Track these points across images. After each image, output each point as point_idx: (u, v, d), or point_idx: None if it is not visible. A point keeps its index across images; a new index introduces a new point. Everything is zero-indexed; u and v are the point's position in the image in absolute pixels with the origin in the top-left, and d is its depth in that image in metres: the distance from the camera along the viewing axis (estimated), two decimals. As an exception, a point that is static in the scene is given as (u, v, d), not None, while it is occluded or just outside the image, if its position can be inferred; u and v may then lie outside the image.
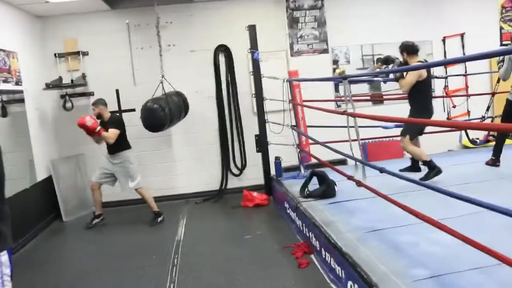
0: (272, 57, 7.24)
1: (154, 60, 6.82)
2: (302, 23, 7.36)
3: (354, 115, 3.93)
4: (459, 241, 2.55)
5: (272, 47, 7.26)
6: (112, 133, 5.72)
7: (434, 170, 5.08)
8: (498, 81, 6.70)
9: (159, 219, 6.12)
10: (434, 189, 2.96)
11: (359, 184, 4.11)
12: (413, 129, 5.25)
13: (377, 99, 8.07)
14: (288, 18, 7.33)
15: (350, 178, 4.34)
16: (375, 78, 6.99)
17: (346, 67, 8.44)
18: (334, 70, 7.71)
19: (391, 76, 5.81)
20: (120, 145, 5.87)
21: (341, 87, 7.36)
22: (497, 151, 5.60)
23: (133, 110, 6.80)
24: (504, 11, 8.08)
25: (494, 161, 5.61)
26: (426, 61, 5.37)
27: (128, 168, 5.95)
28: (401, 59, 5.48)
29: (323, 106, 5.63)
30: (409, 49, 5.18)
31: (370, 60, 8.67)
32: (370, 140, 7.21)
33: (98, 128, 5.59)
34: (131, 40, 7.10)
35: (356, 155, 4.44)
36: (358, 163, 4.66)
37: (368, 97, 8.35)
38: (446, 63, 7.10)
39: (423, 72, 5.05)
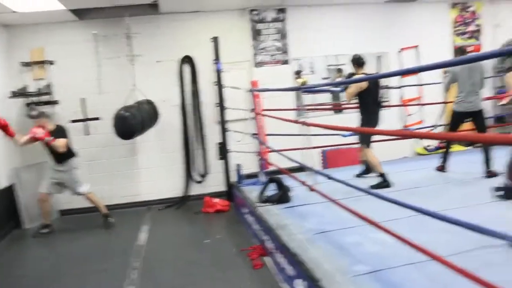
0: (236, 68, 7.45)
1: (121, 70, 6.98)
2: (265, 35, 7.62)
3: (307, 124, 4.15)
4: (398, 240, 2.78)
5: (236, 58, 7.48)
6: (62, 142, 5.87)
7: (385, 183, 5.42)
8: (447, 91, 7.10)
9: (110, 219, 6.37)
10: (376, 195, 3.17)
11: (311, 189, 4.34)
12: (367, 138, 5.57)
13: (337, 108, 8.40)
14: (251, 30, 7.58)
15: (303, 183, 4.57)
16: (333, 88, 7.28)
17: (311, 77, 8.79)
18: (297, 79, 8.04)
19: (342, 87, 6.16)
20: (68, 154, 6.03)
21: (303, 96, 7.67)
22: (445, 158, 5.97)
23: (97, 118, 6.93)
24: (456, 25, 8.54)
25: (442, 167, 5.97)
26: (377, 73, 5.71)
27: (75, 175, 6.14)
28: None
29: (283, 115, 5.86)
30: (356, 61, 5.62)
31: (334, 70, 9.05)
32: (329, 148, 7.48)
33: (49, 138, 5.74)
34: (98, 50, 7.19)
35: (314, 161, 4.65)
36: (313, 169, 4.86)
37: (330, 106, 8.71)
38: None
39: (363, 84, 5.39)
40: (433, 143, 8.07)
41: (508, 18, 8.70)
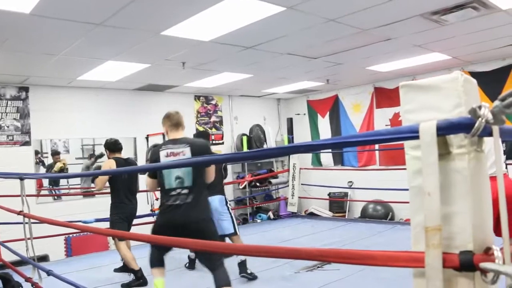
0: (-35, 146, 6.70)
1: None
2: (2, 112, 7.06)
3: (28, 216, 3.92)
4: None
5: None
6: None
7: (139, 280, 5.02)
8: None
9: None
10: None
11: (35, 286, 4.04)
12: (117, 229, 5.11)
13: (87, 194, 8.12)
14: (-14, 106, 6.96)
15: (27, 280, 4.23)
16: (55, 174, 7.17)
17: (66, 156, 8.40)
18: (39, 160, 7.59)
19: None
20: None
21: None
22: None
23: None
24: (199, 115, 9.43)
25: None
26: (128, 158, 5.70)
27: None
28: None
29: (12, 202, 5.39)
30: (109, 146, 5.52)
31: (90, 150, 8.86)
32: (74, 234, 7.16)
33: None
34: None
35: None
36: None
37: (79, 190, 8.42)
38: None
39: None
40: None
41: (243, 112, 10.06)
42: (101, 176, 5.14)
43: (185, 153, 3.52)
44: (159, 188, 3.66)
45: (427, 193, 1.07)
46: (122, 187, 5.31)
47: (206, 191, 3.67)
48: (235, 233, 5.06)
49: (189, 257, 5.65)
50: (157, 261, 3.70)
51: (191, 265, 5.63)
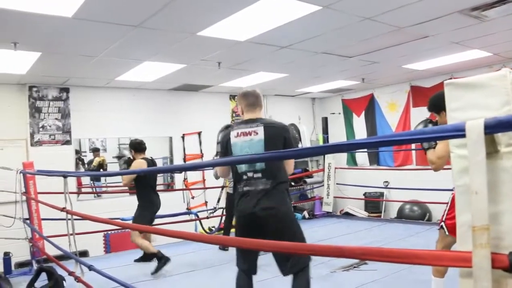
0: (10, 146, 6.97)
1: None
2: (45, 113, 7.31)
3: (70, 212, 4.05)
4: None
5: (11, 135, 7.00)
6: None
7: (162, 260, 5.40)
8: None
9: None
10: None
11: (78, 280, 4.16)
12: (137, 223, 5.54)
13: (116, 192, 8.29)
14: (30, 107, 7.20)
15: (70, 273, 4.36)
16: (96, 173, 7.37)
17: (104, 155, 8.65)
18: (79, 158, 7.82)
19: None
20: None
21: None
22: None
23: None
24: (234, 115, 9.49)
25: (224, 246, 6.35)
26: (152, 158, 5.93)
27: None
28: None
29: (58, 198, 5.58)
30: (135, 147, 5.78)
31: (127, 149, 9.07)
32: (113, 231, 7.34)
33: None
34: None
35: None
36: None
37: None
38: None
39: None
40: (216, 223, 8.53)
41: (278, 111, 10.05)
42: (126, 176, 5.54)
43: (258, 132, 3.12)
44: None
45: (474, 192, 1.05)
46: (151, 185, 5.74)
47: (285, 179, 3.22)
48: None
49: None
50: (242, 264, 3.24)
51: None
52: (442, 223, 3.41)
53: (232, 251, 6.13)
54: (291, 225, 3.13)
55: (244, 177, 3.13)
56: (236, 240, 2.61)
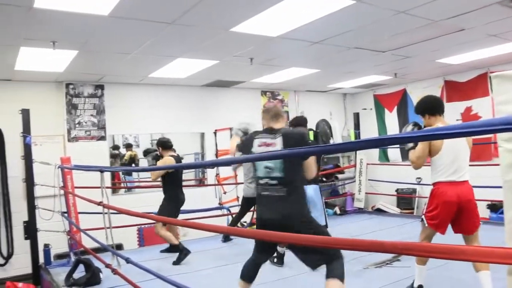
0: (48, 142, 7.17)
1: None
2: (81, 109, 7.50)
3: (107, 207, 4.15)
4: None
5: (49, 132, 7.21)
6: None
7: (183, 252, 5.59)
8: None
9: None
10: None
11: (114, 272, 4.26)
12: (162, 215, 5.66)
13: (147, 187, 8.41)
14: (66, 104, 7.39)
15: (107, 266, 4.47)
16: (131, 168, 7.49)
17: (136, 150, 8.80)
18: (117, 155, 8.00)
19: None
20: None
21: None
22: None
23: None
24: (265, 110, 9.48)
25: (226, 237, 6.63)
26: (178, 155, 6.06)
27: None
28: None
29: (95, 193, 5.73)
30: (163, 144, 5.94)
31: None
32: (146, 225, 7.46)
33: None
34: None
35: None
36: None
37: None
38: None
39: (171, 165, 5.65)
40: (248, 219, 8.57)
41: (309, 107, 10.02)
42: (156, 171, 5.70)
43: (276, 144, 3.28)
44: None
45: (522, 187, 1.04)
46: (177, 180, 5.95)
47: (302, 187, 3.37)
48: (326, 226, 4.94)
49: (277, 251, 5.17)
50: (247, 270, 3.45)
51: (279, 261, 5.26)
52: (423, 216, 3.75)
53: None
54: (309, 226, 3.20)
55: (261, 181, 3.33)
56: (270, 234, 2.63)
